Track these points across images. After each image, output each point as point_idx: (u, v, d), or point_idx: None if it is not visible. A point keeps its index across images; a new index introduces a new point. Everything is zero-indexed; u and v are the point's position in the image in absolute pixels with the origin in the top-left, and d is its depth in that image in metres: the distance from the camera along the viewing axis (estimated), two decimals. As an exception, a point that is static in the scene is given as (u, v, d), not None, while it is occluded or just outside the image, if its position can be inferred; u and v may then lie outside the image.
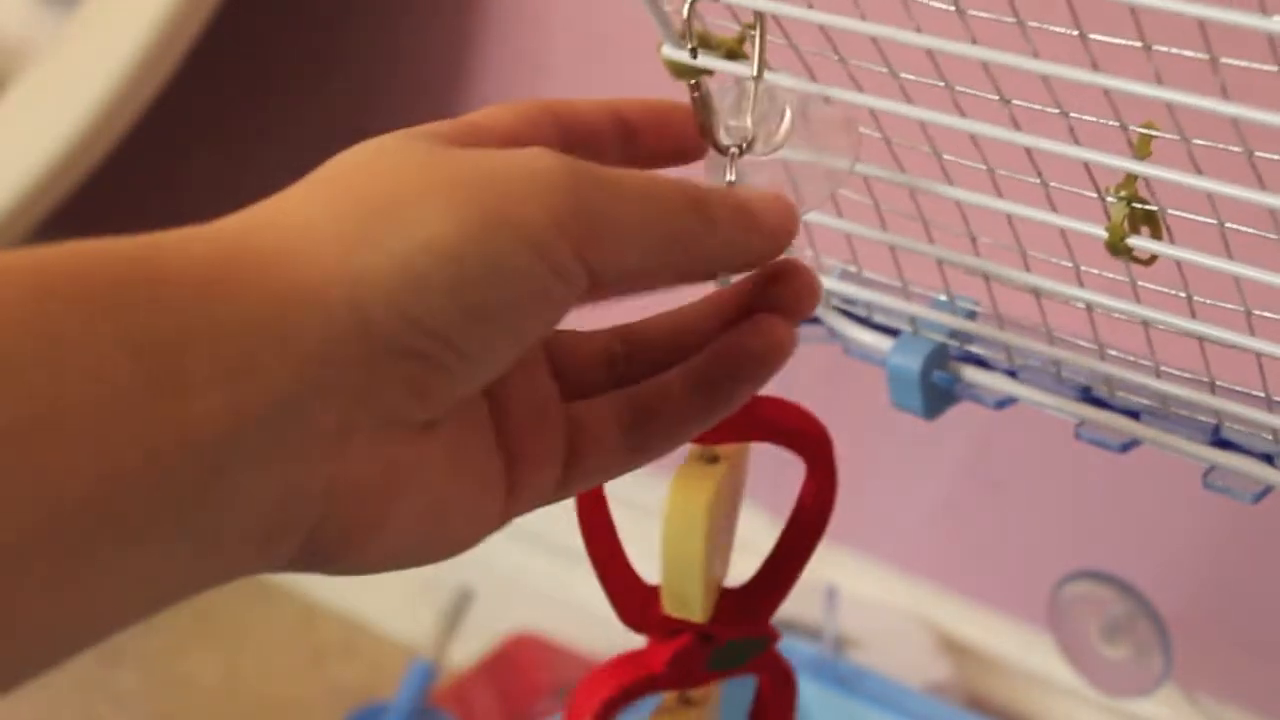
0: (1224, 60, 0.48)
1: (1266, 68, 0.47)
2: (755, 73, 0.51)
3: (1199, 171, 0.52)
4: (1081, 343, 0.61)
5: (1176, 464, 0.60)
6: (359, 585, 1.28)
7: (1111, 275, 0.57)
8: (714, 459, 0.53)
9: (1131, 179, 0.54)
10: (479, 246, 0.40)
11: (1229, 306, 0.55)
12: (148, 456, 0.36)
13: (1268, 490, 0.57)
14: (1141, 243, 0.55)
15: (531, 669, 1.17)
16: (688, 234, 0.44)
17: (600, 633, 1.19)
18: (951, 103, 0.56)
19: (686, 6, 0.54)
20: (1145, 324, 0.58)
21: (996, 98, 0.55)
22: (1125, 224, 0.54)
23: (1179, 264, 0.55)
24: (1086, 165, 0.54)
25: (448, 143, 0.43)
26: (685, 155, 0.50)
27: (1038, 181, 0.57)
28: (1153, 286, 0.57)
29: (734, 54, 0.57)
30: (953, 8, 0.53)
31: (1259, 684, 0.99)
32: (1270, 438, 0.57)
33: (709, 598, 0.54)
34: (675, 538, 0.52)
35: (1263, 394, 0.57)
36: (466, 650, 1.18)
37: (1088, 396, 0.61)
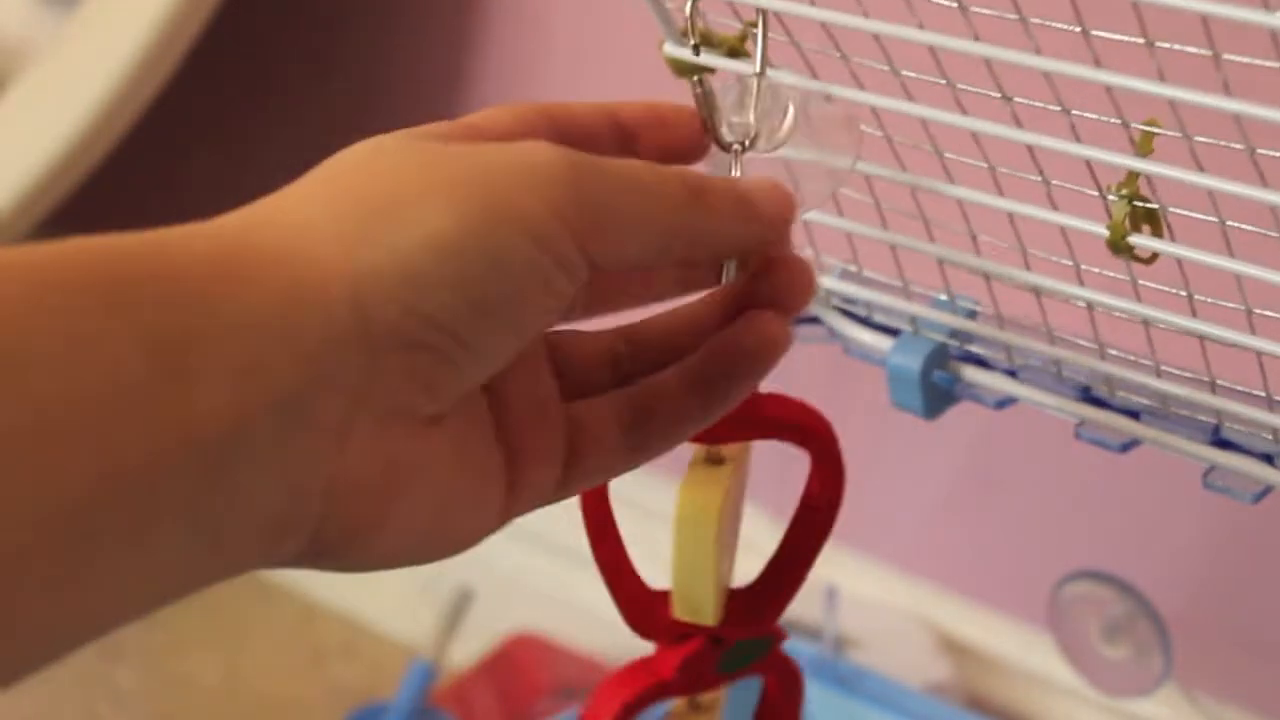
0: (1226, 56, 0.48)
1: (1269, 63, 0.47)
2: (758, 69, 0.51)
3: (1201, 169, 0.52)
4: (1082, 342, 0.61)
5: (1176, 464, 0.60)
6: (359, 585, 1.28)
7: (1112, 274, 0.57)
8: (719, 461, 0.53)
9: (1133, 177, 0.54)
10: (480, 240, 0.40)
11: (1230, 305, 0.55)
12: (153, 454, 0.36)
13: (1268, 490, 0.57)
14: (1143, 241, 0.55)
15: (531, 669, 1.17)
16: (687, 224, 0.44)
17: (600, 633, 1.19)
18: (953, 100, 0.56)
19: (689, 4, 0.54)
20: (1146, 323, 0.58)
21: (998, 95, 0.55)
22: (1127, 222, 0.54)
23: (1180, 262, 0.55)
24: (1088, 163, 0.54)
25: (446, 141, 0.43)
26: (685, 157, 0.50)
27: (1039, 180, 0.57)
28: (1154, 285, 0.57)
29: (736, 52, 0.58)
30: (955, 4, 0.53)
31: (1259, 684, 0.99)
32: (1270, 437, 0.57)
33: (719, 600, 0.54)
34: (687, 543, 0.52)
35: (1263, 393, 0.57)
36: (466, 650, 1.18)
37: (1088, 396, 0.61)
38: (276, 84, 1.34)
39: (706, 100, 0.49)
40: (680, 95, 0.52)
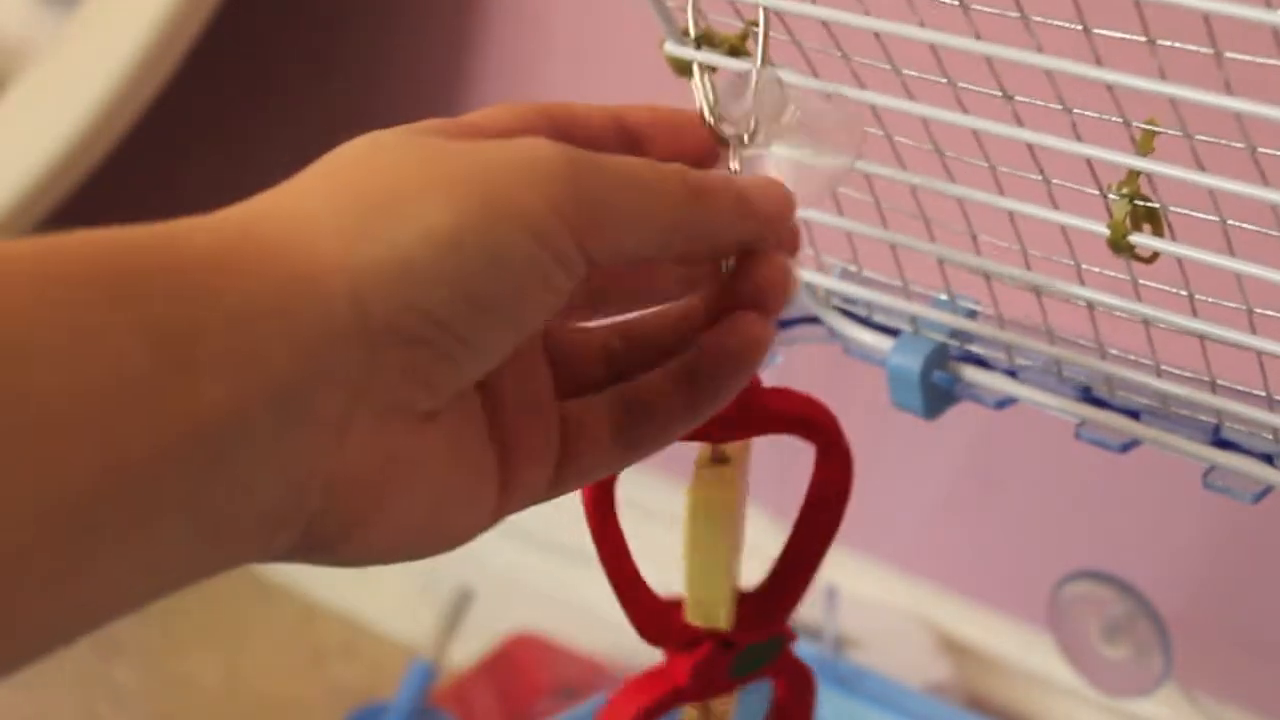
0: (1228, 55, 0.48)
1: (1271, 62, 0.47)
2: (758, 63, 0.51)
3: (1202, 168, 0.52)
4: (1082, 342, 0.61)
5: (1176, 464, 0.60)
6: (359, 585, 1.28)
7: (1113, 274, 0.57)
8: (723, 460, 0.53)
9: (1134, 176, 0.54)
10: (479, 236, 0.40)
11: (1230, 305, 0.55)
12: (154, 447, 0.36)
13: (1268, 490, 0.57)
14: (1144, 240, 0.55)
15: (531, 669, 1.17)
16: (686, 220, 0.44)
17: (600, 633, 1.19)
18: (954, 99, 0.56)
19: (690, 1, 0.54)
20: (1146, 323, 0.58)
21: (999, 94, 0.55)
22: (1127, 221, 0.54)
23: (1180, 262, 0.55)
24: (1089, 162, 0.54)
25: (445, 138, 0.44)
26: (695, 164, 0.50)
27: (1040, 179, 0.57)
28: (1154, 285, 0.57)
29: (737, 51, 0.58)
30: (956, 2, 0.53)
31: (1259, 684, 0.99)
32: (1271, 437, 0.57)
33: (733, 604, 0.54)
34: (701, 545, 0.53)
35: (1263, 393, 0.57)
36: (466, 650, 1.18)
37: (1088, 396, 0.61)
38: (276, 84, 1.34)
39: (709, 90, 0.49)
40: (681, 95, 0.52)
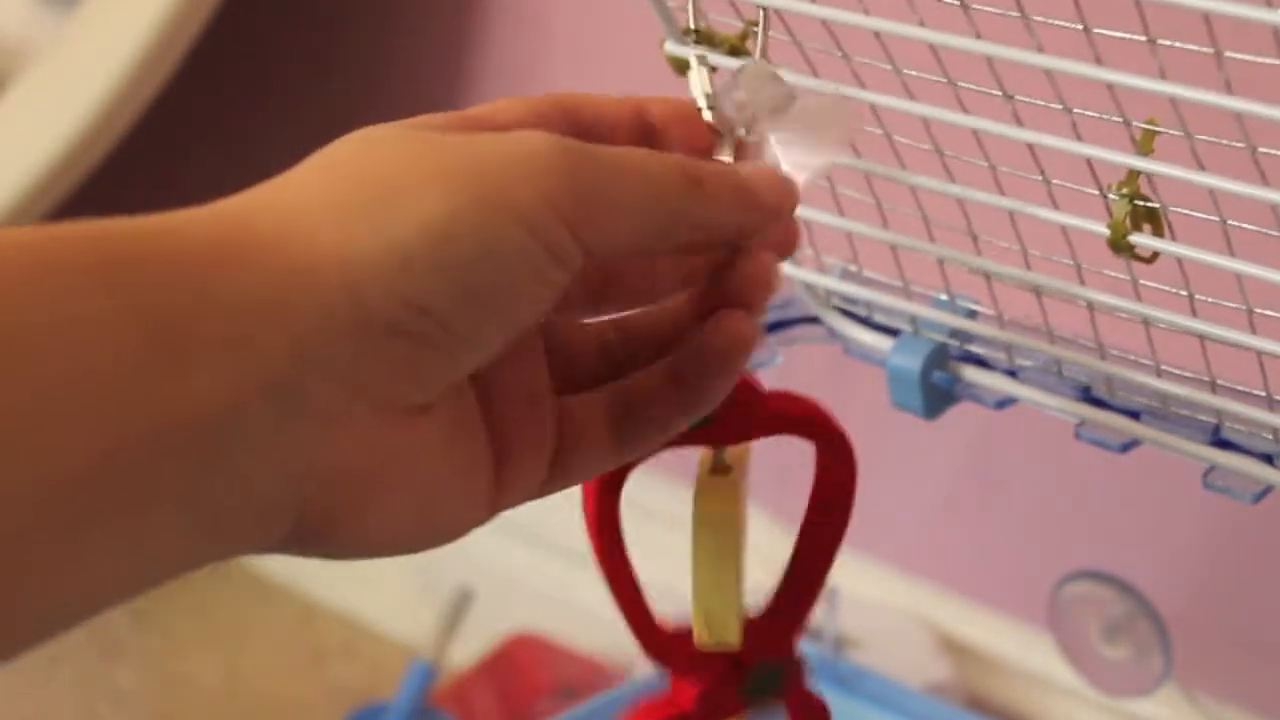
0: (1228, 54, 0.48)
1: (1271, 61, 0.47)
2: (755, 58, 0.51)
3: (1202, 168, 0.52)
4: (1082, 342, 0.61)
5: (1176, 464, 0.60)
6: (359, 585, 1.28)
7: (1113, 274, 0.57)
8: (725, 470, 0.52)
9: (1134, 176, 0.54)
10: (472, 228, 0.40)
11: (1230, 305, 0.55)
12: (151, 434, 0.37)
13: (1268, 490, 0.57)
14: (1144, 240, 0.55)
15: (531, 669, 1.17)
16: (685, 211, 0.44)
17: (600, 633, 1.19)
18: (954, 99, 0.56)
19: (690, 4, 0.54)
20: (1146, 322, 0.58)
21: (999, 94, 0.55)
22: (1127, 221, 0.54)
23: (1180, 262, 0.55)
24: (1089, 162, 0.54)
25: (445, 131, 0.44)
26: (706, 157, 0.50)
27: (1040, 179, 0.57)
28: (1154, 285, 0.57)
29: (737, 50, 0.58)
30: (957, 2, 0.53)
31: (1259, 684, 0.99)
32: (1271, 437, 0.57)
33: (742, 619, 0.53)
34: (708, 558, 0.52)
35: (1263, 393, 0.57)
36: (466, 650, 1.18)
37: (1088, 396, 0.61)
38: (276, 84, 1.34)
39: (705, 80, 0.49)
40: (681, 95, 0.52)
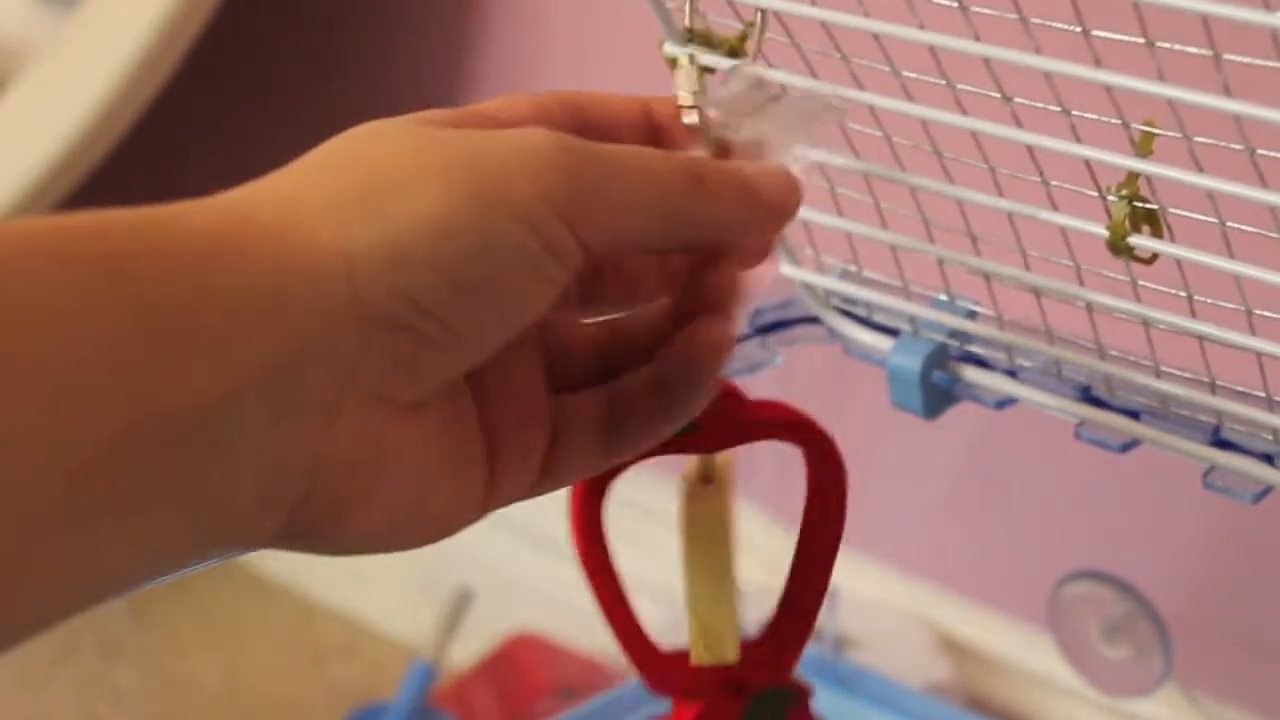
0: (1227, 56, 0.48)
1: (1270, 64, 0.47)
2: (750, 59, 0.51)
3: (1201, 169, 0.52)
4: (1082, 342, 0.61)
5: (1176, 464, 0.60)
6: (359, 585, 1.28)
7: (1112, 275, 0.57)
8: (709, 480, 0.52)
9: (1133, 177, 0.54)
10: (470, 223, 0.40)
11: (1229, 306, 0.55)
12: (150, 426, 0.37)
13: (1268, 490, 0.57)
14: (1143, 241, 0.55)
15: (531, 669, 1.17)
16: (687, 210, 0.44)
17: (600, 633, 1.19)
18: (953, 101, 0.56)
19: (688, 2, 0.54)
20: (1145, 323, 0.58)
21: (998, 95, 0.55)
22: (1126, 223, 0.54)
23: (1179, 263, 0.55)
24: (1088, 164, 0.54)
25: (447, 127, 0.44)
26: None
27: (1039, 180, 0.57)
28: (1153, 286, 0.57)
29: (736, 52, 0.58)
30: (955, 4, 0.53)
31: (1259, 684, 0.99)
32: (1270, 438, 0.57)
33: (738, 632, 0.53)
34: (702, 568, 0.51)
35: (1263, 394, 0.57)
36: (466, 650, 1.18)
37: (1088, 396, 0.61)
38: (276, 84, 1.34)
39: (691, 77, 0.49)
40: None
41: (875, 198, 0.63)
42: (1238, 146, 0.50)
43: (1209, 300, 0.56)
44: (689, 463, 0.52)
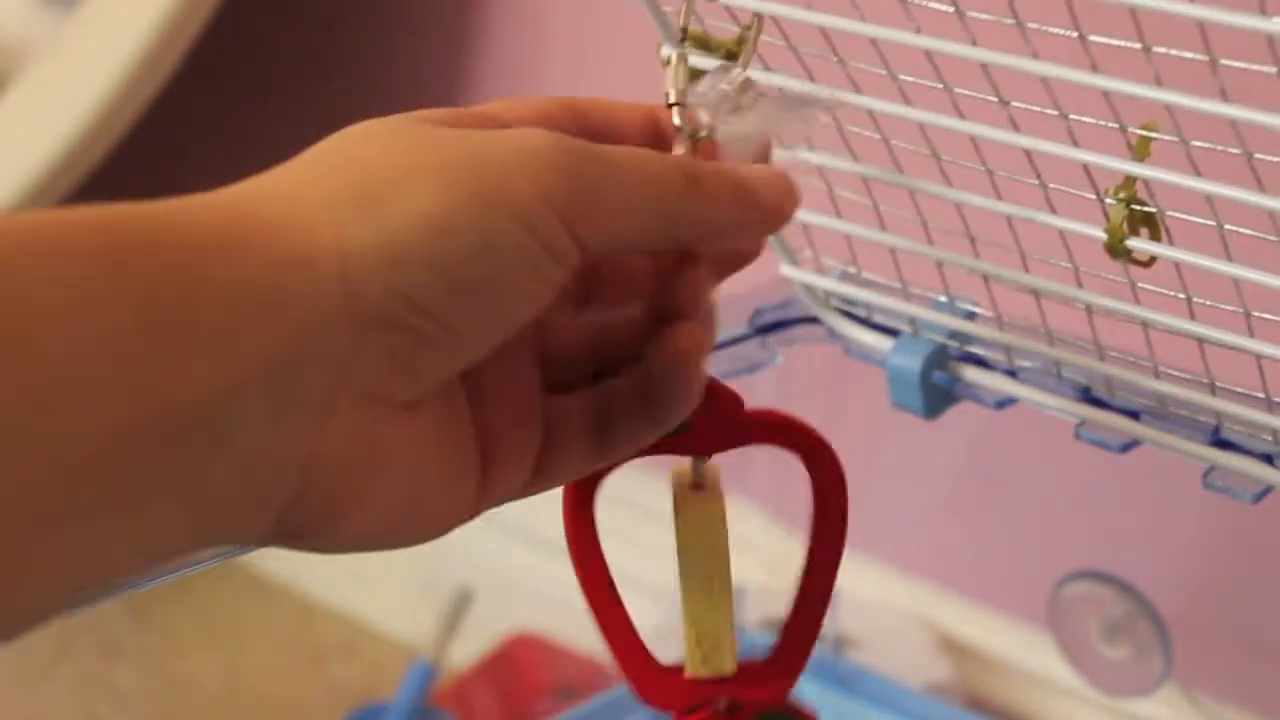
0: (1223, 62, 0.48)
1: (1266, 69, 0.47)
2: (741, 65, 0.50)
3: (1198, 173, 0.52)
4: (1081, 343, 0.61)
5: (1176, 464, 0.60)
6: (359, 585, 1.28)
7: (1111, 277, 0.57)
8: (700, 486, 0.51)
9: (1130, 181, 0.54)
10: (469, 223, 0.40)
11: (1228, 308, 0.55)
12: (153, 420, 0.37)
13: (1268, 490, 0.58)
14: (1141, 244, 0.55)
15: (531, 669, 1.17)
16: (683, 210, 0.44)
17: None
18: (951, 104, 0.56)
19: (684, 5, 0.54)
20: (1145, 325, 0.58)
21: (995, 99, 0.55)
22: (1124, 225, 0.54)
23: (1178, 266, 0.55)
24: (1085, 167, 0.54)
25: (451, 126, 0.44)
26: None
27: (1037, 183, 0.57)
28: (1152, 288, 0.57)
29: (733, 55, 0.57)
30: (952, 9, 0.53)
31: (1259, 684, 0.99)
32: (1270, 438, 0.57)
33: (734, 642, 0.52)
34: (697, 577, 0.51)
35: (1263, 395, 0.57)
36: (466, 650, 1.18)
37: (1088, 396, 0.61)
38: (276, 84, 1.34)
39: (680, 76, 0.49)
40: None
41: (874, 200, 0.63)
42: (1235, 151, 0.50)
43: (1208, 302, 0.56)
44: (678, 467, 0.51)
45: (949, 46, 0.54)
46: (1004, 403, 0.64)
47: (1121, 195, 0.54)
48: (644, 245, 0.44)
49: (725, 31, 0.58)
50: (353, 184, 0.41)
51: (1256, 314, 0.55)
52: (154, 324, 0.37)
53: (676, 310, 0.46)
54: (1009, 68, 0.53)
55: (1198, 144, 0.51)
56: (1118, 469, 0.68)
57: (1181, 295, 0.56)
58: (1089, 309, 0.59)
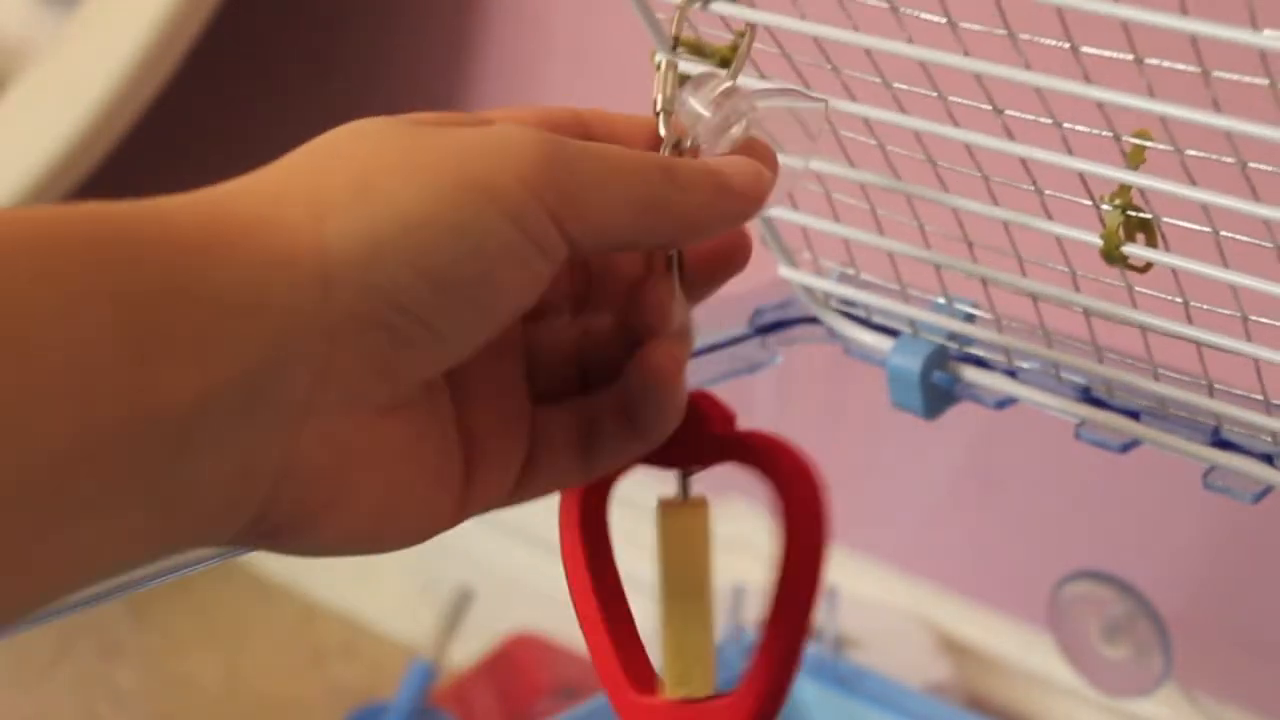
0: (1216, 74, 0.48)
1: (1258, 80, 0.47)
2: (730, 74, 0.50)
3: (1192, 181, 0.52)
4: (1080, 345, 0.61)
5: (1176, 464, 0.60)
6: (359, 585, 1.28)
7: (1109, 280, 0.57)
8: (684, 497, 0.50)
9: (1125, 188, 0.54)
10: (451, 217, 0.40)
11: (1225, 312, 0.55)
12: (121, 422, 0.36)
13: (1268, 490, 0.58)
14: (1136, 250, 0.55)
15: (531, 669, 1.17)
16: (664, 199, 0.44)
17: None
18: (945, 112, 0.56)
19: (676, 13, 0.54)
20: (1142, 328, 0.58)
21: (990, 107, 0.55)
22: (1120, 232, 0.54)
23: (1174, 271, 0.55)
24: (1081, 174, 0.54)
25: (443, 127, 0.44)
26: None
27: (1032, 189, 0.57)
28: (1149, 291, 0.57)
29: (727, 62, 0.57)
30: (944, 20, 0.53)
31: (1259, 684, 0.99)
32: (1270, 439, 0.57)
33: (713, 662, 0.50)
34: (677, 592, 0.49)
35: (1261, 397, 0.57)
36: (466, 650, 1.18)
37: (1087, 397, 0.61)
38: (276, 84, 1.34)
39: (669, 83, 0.49)
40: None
41: (872, 204, 0.63)
42: (1229, 160, 0.50)
43: (1205, 306, 0.56)
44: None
45: (941, 57, 0.54)
46: (1004, 403, 0.64)
47: (1117, 202, 0.54)
48: (628, 238, 0.44)
49: (721, 40, 0.58)
50: (337, 183, 0.41)
51: (1253, 318, 0.55)
52: (131, 324, 0.37)
53: (645, 327, 0.46)
54: (1002, 78, 0.53)
55: (1192, 153, 0.51)
56: (1118, 469, 0.68)
57: (1178, 299, 0.56)
58: (1087, 312, 0.59)
